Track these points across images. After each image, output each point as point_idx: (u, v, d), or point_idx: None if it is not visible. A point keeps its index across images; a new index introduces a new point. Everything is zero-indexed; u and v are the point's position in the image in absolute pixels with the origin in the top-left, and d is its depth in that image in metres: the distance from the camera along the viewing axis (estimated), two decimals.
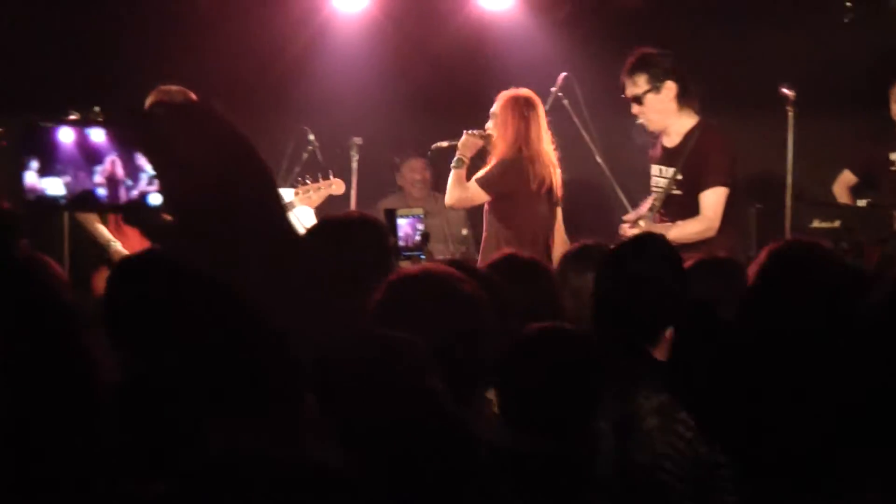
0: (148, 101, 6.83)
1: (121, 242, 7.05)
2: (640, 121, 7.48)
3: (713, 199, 7.10)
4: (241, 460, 1.74)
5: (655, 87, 7.32)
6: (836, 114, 8.79)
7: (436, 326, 2.98)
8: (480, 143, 7.78)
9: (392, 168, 10.03)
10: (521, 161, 7.54)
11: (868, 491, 2.90)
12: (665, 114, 7.34)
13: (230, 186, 1.70)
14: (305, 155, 8.67)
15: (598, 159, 8.45)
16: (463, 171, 7.65)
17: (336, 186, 7.86)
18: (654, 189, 7.54)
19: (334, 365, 1.97)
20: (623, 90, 7.47)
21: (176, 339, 2.17)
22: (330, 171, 8.00)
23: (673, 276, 4.09)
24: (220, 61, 9.21)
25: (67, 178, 2.52)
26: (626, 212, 8.10)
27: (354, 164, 8.80)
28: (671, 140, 7.41)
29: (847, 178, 9.09)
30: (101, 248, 7.07)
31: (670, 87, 7.28)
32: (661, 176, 7.47)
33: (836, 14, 9.02)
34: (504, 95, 7.74)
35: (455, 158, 7.74)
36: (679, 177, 7.25)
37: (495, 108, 7.73)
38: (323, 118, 9.20)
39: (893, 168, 8.82)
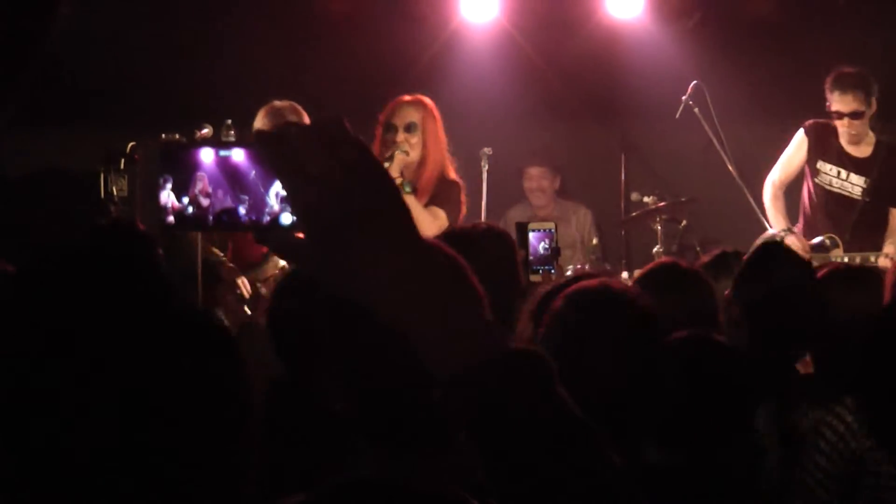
0: (258, 118, 6.92)
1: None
2: (841, 131, 7.94)
3: None
4: (385, 486, 1.76)
5: (869, 105, 7.83)
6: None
7: (616, 341, 3.05)
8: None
9: (519, 176, 10.02)
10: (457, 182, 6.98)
11: None
12: (865, 134, 7.94)
13: (361, 203, 1.67)
14: None
15: (730, 167, 8.53)
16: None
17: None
18: (823, 186, 8.08)
19: (477, 393, 1.96)
20: (832, 98, 7.91)
21: (334, 362, 2.20)
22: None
23: (813, 288, 4.18)
24: (349, 73, 9.34)
25: (207, 200, 2.54)
26: (758, 220, 8.29)
27: (485, 175, 8.82)
28: (861, 150, 7.96)
29: None
30: (212, 266, 6.99)
31: (874, 105, 7.84)
32: (841, 179, 8.02)
33: None
34: (422, 102, 6.90)
35: (403, 185, 6.75)
36: (870, 187, 7.87)
37: (415, 118, 6.80)
38: (453, 129, 8.90)
39: None
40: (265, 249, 6.52)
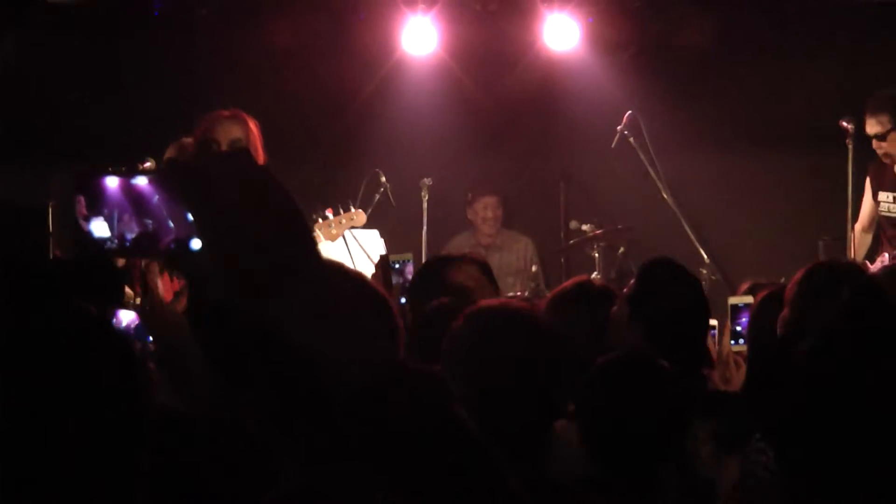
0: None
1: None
2: (880, 153, 7.98)
3: None
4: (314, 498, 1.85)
5: (894, 125, 7.86)
6: None
7: (516, 358, 3.03)
8: None
9: (464, 204, 10.06)
10: None
11: None
12: None
13: (267, 231, 1.75)
14: (378, 196, 8.67)
15: (665, 195, 8.66)
16: None
17: (357, 218, 7.47)
18: (886, 214, 8.12)
19: (362, 399, 1.93)
20: (865, 120, 7.94)
21: (257, 379, 2.18)
22: (350, 203, 7.72)
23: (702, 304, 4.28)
24: (292, 106, 9.38)
25: (111, 220, 2.56)
26: (692, 246, 8.46)
27: (425, 204, 8.93)
28: None
29: None
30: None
31: None
32: (894, 203, 8.10)
33: (893, 48, 9.10)
34: (243, 117, 6.53)
35: None
36: None
37: (239, 135, 6.46)
38: (394, 160, 9.28)
39: None
40: None
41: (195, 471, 2.61)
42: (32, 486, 1.95)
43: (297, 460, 2.16)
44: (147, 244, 2.45)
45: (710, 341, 6.30)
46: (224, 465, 2.61)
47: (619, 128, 8.71)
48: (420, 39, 9.36)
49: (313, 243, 1.80)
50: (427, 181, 9.02)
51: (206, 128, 6.43)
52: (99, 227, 2.49)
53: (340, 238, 7.65)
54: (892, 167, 7.95)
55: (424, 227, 8.88)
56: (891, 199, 8.06)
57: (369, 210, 8.29)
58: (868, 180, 8.21)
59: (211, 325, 2.28)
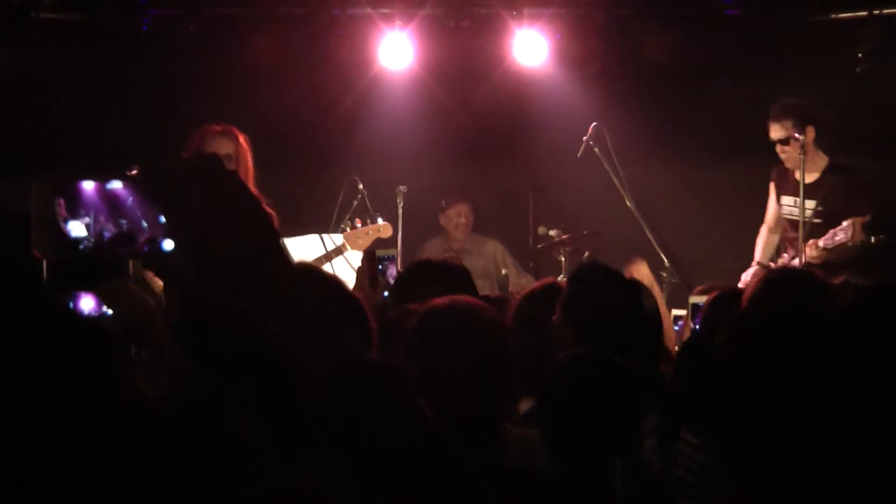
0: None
1: None
2: (783, 157, 8.22)
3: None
4: (289, 490, 1.93)
5: (800, 131, 8.07)
6: (843, 156, 8.85)
7: (463, 351, 3.13)
8: None
9: (437, 211, 10.11)
10: None
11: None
12: (806, 152, 8.09)
13: (234, 232, 1.76)
14: (355, 203, 8.66)
15: (629, 203, 8.77)
16: None
17: (384, 230, 7.72)
18: (788, 217, 8.41)
19: (327, 392, 1.90)
20: (769, 125, 8.20)
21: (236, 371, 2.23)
22: (378, 215, 7.99)
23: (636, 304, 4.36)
24: (274, 117, 9.42)
25: (87, 221, 2.59)
26: (654, 251, 8.58)
27: (400, 210, 9.00)
28: (809, 176, 8.21)
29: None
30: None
31: (810, 131, 8.10)
32: (796, 206, 8.29)
33: (849, 64, 9.27)
34: (234, 132, 6.58)
35: None
36: (820, 208, 8.12)
37: (229, 150, 6.48)
38: (371, 168, 9.26)
39: None
40: None
41: (172, 460, 2.59)
42: (11, 470, 1.97)
43: (275, 451, 2.15)
44: (122, 243, 2.52)
45: (673, 337, 6.52)
46: (202, 455, 2.57)
47: (584, 138, 8.81)
48: (396, 54, 9.45)
49: (280, 245, 1.81)
50: (402, 188, 9.09)
51: (198, 142, 6.43)
52: (76, 228, 2.61)
53: (318, 241, 7.72)
54: (794, 172, 8.19)
55: (399, 232, 8.89)
56: (793, 202, 8.30)
57: (346, 215, 8.44)
58: (772, 184, 8.51)
59: (187, 321, 2.30)
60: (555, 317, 4.29)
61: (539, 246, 9.56)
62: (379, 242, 7.74)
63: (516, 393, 3.90)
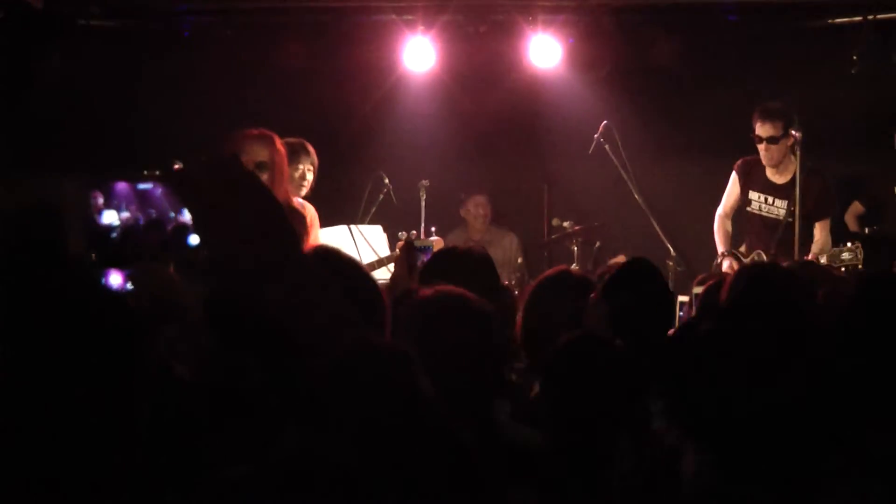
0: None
1: None
2: (763, 155, 8.44)
3: (826, 229, 8.39)
4: (308, 457, 1.93)
5: (786, 133, 8.35)
6: (839, 153, 9.22)
7: (452, 338, 3.14)
8: None
9: (458, 203, 10.26)
10: None
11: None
12: (785, 154, 8.43)
13: (250, 226, 1.81)
14: (381, 196, 8.95)
15: (637, 197, 9.00)
16: None
17: (436, 244, 7.39)
18: (753, 212, 8.59)
19: (334, 370, 1.95)
20: (755, 124, 8.43)
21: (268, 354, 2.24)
22: (433, 229, 8.07)
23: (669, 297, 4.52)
24: (305, 116, 9.39)
25: (121, 211, 2.70)
26: (660, 241, 8.84)
27: (423, 203, 9.22)
28: (783, 177, 8.49)
29: (856, 208, 9.86)
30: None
31: (794, 134, 8.32)
32: (767, 204, 8.53)
33: (844, 67, 9.48)
34: (270, 137, 6.56)
35: None
36: (792, 208, 8.29)
37: (264, 157, 6.45)
38: (396, 164, 9.48)
39: None
40: None
41: (195, 430, 2.62)
42: (33, 434, 1.96)
43: (292, 425, 2.14)
44: (152, 229, 2.64)
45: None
46: (222, 426, 2.59)
47: (595, 136, 9.04)
48: (419, 58, 9.64)
49: (293, 235, 1.87)
50: (425, 183, 9.30)
51: (237, 146, 6.40)
52: (109, 216, 2.76)
53: (347, 231, 7.99)
54: (767, 169, 8.42)
55: (422, 224, 9.08)
56: (762, 199, 8.49)
57: (373, 208, 8.79)
58: (735, 175, 8.64)
59: (213, 303, 2.32)
60: (593, 295, 4.36)
61: (553, 237, 9.70)
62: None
63: (505, 374, 3.93)
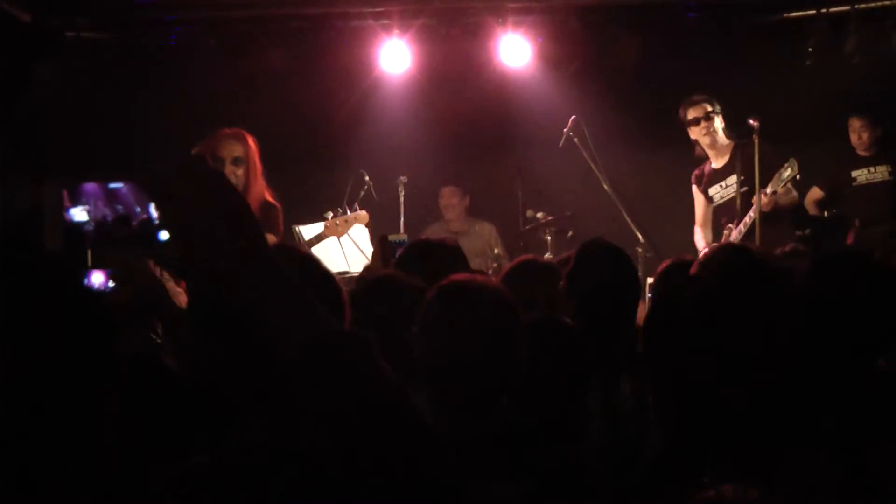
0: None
1: None
2: (697, 137, 8.67)
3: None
4: (271, 445, 1.96)
5: (715, 110, 8.67)
6: (797, 141, 9.25)
7: (480, 326, 3.12)
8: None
9: (435, 198, 10.40)
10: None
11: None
12: (719, 135, 8.70)
13: (218, 224, 1.83)
14: (362, 193, 9.01)
15: (606, 187, 9.08)
16: None
17: (360, 217, 7.49)
18: (720, 201, 8.77)
19: (299, 359, 1.91)
20: (687, 112, 8.68)
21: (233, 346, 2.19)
22: (356, 203, 7.94)
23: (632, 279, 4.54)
24: (287, 118, 9.79)
25: (88, 207, 2.95)
26: (629, 228, 8.98)
27: (402, 198, 9.39)
28: (719, 161, 8.74)
29: (815, 193, 10.10)
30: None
31: (720, 113, 8.68)
32: (722, 188, 8.77)
33: (799, 59, 9.75)
34: (243, 135, 6.75)
35: None
36: (742, 177, 8.49)
37: (239, 152, 6.68)
38: (375, 162, 9.57)
39: (855, 184, 9.82)
40: None
41: (163, 419, 2.64)
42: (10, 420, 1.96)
43: (258, 415, 2.15)
44: (120, 225, 2.65)
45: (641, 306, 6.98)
46: (189, 416, 2.59)
47: (565, 130, 9.13)
48: (395, 60, 9.78)
49: (260, 234, 1.87)
50: (403, 179, 9.48)
51: (213, 145, 6.64)
52: (78, 213, 2.86)
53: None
54: (710, 162, 8.63)
55: (402, 218, 9.30)
56: (718, 189, 8.66)
57: (355, 204, 8.51)
58: (694, 188, 8.81)
59: (191, 301, 2.31)
60: (561, 284, 4.44)
61: (527, 227, 9.83)
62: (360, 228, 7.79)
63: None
